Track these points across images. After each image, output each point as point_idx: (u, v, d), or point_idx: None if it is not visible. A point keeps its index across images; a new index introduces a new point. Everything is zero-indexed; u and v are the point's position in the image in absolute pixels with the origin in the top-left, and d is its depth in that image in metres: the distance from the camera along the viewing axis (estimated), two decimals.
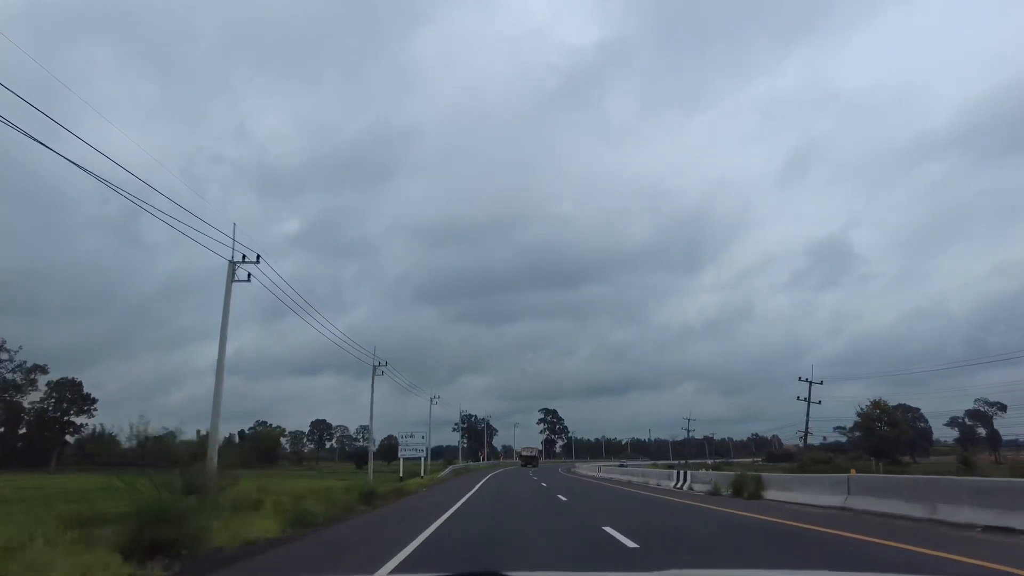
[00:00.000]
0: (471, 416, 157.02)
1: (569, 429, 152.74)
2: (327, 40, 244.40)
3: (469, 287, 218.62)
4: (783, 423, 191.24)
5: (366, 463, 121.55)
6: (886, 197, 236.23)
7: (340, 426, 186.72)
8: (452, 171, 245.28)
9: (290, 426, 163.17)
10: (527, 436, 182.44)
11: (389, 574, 7.50)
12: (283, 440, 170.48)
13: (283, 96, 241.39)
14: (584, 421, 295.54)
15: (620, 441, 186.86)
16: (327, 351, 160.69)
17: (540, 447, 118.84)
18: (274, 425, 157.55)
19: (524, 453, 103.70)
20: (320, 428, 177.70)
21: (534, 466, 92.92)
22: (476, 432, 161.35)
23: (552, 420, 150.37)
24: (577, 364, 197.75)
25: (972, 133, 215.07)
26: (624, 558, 8.41)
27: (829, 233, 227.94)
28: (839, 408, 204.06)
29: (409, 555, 8.99)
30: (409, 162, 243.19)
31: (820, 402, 60.63)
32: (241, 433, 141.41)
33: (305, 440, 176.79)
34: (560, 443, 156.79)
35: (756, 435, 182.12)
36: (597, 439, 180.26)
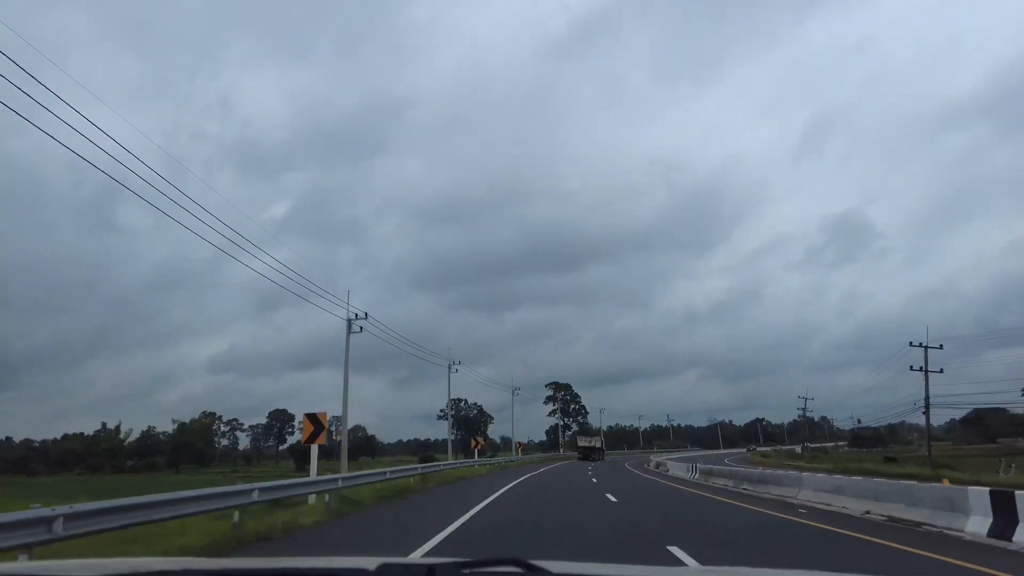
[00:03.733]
0: (461, 401, 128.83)
1: (587, 410, 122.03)
2: (317, 6, 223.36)
3: (468, 271, 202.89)
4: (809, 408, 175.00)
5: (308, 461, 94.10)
6: (905, 171, 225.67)
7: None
8: (451, 145, 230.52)
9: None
10: (532, 423, 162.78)
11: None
12: (242, 434, 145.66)
13: (270, 67, 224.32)
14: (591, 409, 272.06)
15: (636, 428, 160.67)
16: (322, 344, 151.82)
17: (600, 438, 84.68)
18: (206, 415, 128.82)
19: (583, 444, 77.84)
20: (281, 420, 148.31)
21: (598, 459, 69.41)
22: (468, 420, 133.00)
23: (565, 399, 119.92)
24: (582, 351, 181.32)
25: (999, 101, 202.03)
26: None
27: (845, 209, 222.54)
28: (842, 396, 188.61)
29: None
30: (404, 136, 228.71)
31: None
32: (182, 426, 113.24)
33: (263, 434, 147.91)
34: (573, 429, 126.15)
35: (803, 415, 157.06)
36: (610, 426, 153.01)
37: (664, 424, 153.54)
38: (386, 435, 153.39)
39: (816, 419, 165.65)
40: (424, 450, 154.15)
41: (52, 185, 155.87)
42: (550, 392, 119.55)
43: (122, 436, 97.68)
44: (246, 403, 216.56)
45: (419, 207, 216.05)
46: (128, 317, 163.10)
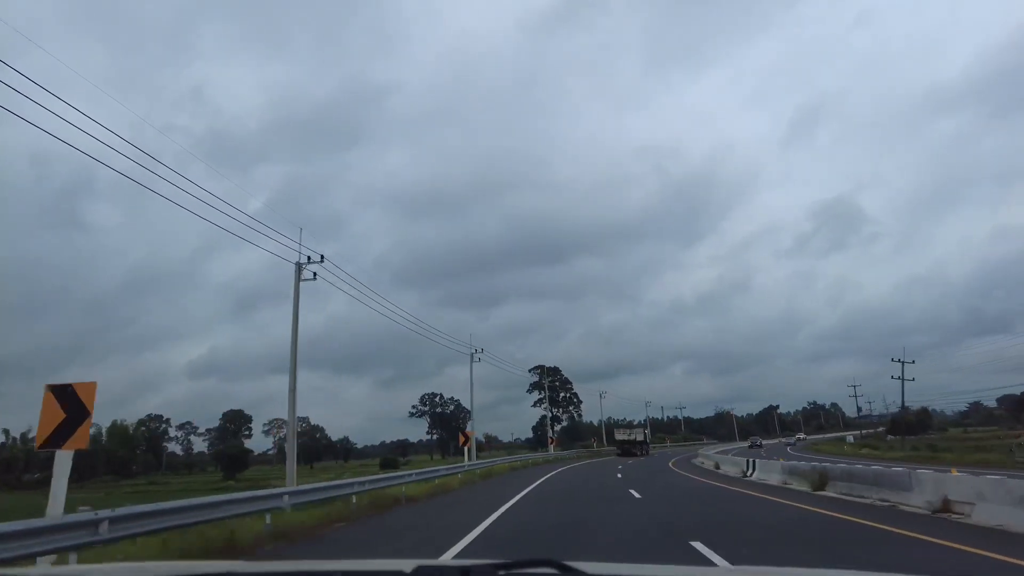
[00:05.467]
0: (436, 395, 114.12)
1: (579, 398, 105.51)
2: None
3: (452, 266, 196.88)
4: (793, 396, 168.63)
5: (240, 470, 77.14)
6: (895, 156, 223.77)
7: (275, 420, 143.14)
8: (435, 134, 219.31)
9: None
10: (522, 420, 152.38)
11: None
12: (199, 438, 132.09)
13: (246, 56, 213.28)
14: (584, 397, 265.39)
15: (632, 421, 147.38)
16: (304, 346, 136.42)
17: (644, 429, 72.24)
18: (152, 417, 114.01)
19: (621, 437, 66.48)
20: (237, 422, 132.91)
21: (642, 454, 60.37)
22: (444, 417, 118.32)
23: (554, 384, 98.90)
24: (570, 347, 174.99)
25: (988, 84, 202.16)
26: None
27: (835, 196, 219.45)
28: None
29: None
30: (386, 125, 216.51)
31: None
32: (110, 431, 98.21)
33: (218, 438, 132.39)
34: (563, 423, 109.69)
35: (814, 403, 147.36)
36: (600, 420, 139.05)
37: (659, 417, 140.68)
38: (371, 438, 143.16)
39: (827, 406, 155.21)
40: (402, 452, 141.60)
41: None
42: (535, 378, 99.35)
43: (29, 446, 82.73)
44: (226, 407, 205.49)
45: (401, 199, 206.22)
46: (101, 320, 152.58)
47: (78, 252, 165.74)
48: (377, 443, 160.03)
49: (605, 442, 78.43)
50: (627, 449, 63.19)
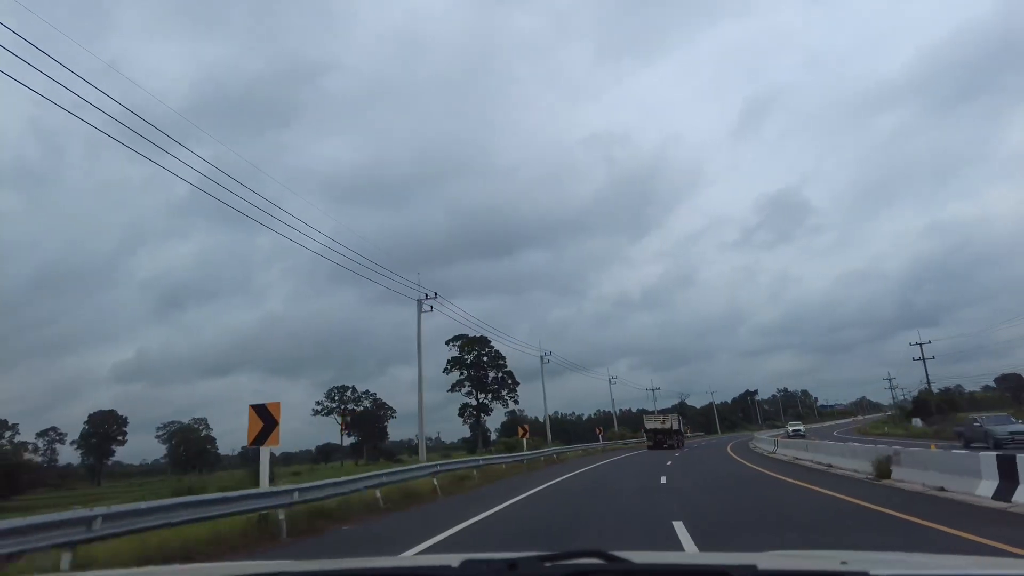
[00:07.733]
0: (347, 389, 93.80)
1: (516, 379, 78.74)
2: None
3: (394, 258, 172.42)
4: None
5: (17, 490, 50.81)
6: (840, 151, 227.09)
7: (173, 422, 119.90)
8: (376, 117, 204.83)
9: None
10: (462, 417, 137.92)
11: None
12: (70, 447, 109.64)
13: (170, 30, 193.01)
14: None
15: (583, 416, 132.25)
16: (244, 347, 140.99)
17: (677, 416, 63.80)
18: None
19: (652, 425, 58.34)
20: (108, 424, 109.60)
21: (675, 445, 55.34)
22: (357, 415, 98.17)
23: (480, 359, 74.63)
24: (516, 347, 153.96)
25: (927, 81, 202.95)
26: None
27: (779, 190, 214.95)
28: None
29: None
30: (324, 107, 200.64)
31: None
32: None
33: (86, 445, 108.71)
34: (493, 413, 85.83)
35: (785, 390, 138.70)
36: (553, 413, 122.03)
37: (610, 410, 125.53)
38: (309, 442, 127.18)
39: (799, 394, 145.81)
40: (326, 457, 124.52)
41: None
42: (454, 352, 75.90)
43: None
44: (157, 412, 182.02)
45: (339, 185, 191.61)
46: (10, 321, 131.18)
47: None
48: (313, 447, 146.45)
49: (549, 437, 59.49)
50: (659, 440, 55.90)
